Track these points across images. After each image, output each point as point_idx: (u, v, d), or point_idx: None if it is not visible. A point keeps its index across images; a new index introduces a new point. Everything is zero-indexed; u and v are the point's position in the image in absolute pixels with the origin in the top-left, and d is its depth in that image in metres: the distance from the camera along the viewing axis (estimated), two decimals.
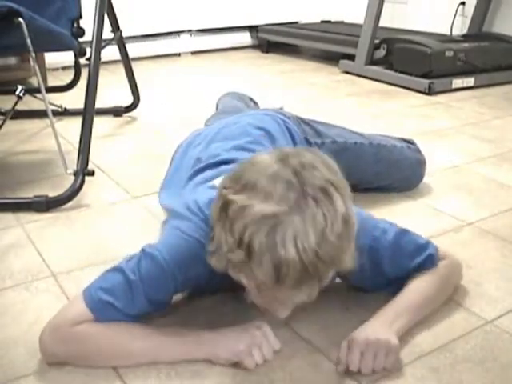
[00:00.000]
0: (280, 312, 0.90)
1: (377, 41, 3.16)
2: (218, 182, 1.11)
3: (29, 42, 1.52)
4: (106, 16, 2.00)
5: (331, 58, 3.60)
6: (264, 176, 0.81)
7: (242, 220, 0.79)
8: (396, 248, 1.05)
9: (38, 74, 1.65)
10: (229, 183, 0.85)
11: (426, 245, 1.10)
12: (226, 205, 0.83)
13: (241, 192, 0.82)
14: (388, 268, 1.06)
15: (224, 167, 1.17)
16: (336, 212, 0.80)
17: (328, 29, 3.75)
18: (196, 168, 1.22)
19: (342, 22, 4.20)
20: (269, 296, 0.87)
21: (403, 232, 1.07)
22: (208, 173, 1.18)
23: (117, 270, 0.96)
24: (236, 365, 0.94)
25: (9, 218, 1.50)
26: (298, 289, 0.82)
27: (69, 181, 1.60)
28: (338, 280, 1.09)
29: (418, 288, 1.05)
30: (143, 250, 0.97)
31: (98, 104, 1.82)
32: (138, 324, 0.95)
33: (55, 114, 2.23)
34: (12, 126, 2.19)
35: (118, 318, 0.93)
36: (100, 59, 1.84)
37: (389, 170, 1.57)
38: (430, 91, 2.79)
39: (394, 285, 1.07)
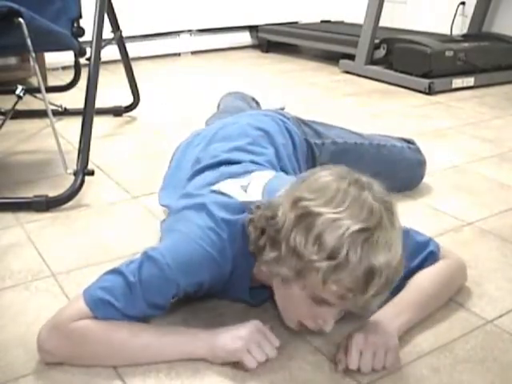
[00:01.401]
0: (328, 325, 0.93)
1: (377, 41, 3.16)
2: (221, 186, 1.09)
3: (29, 41, 1.52)
4: (106, 16, 2.00)
5: (331, 58, 3.59)
6: (344, 194, 0.87)
7: (335, 232, 0.84)
8: None
9: (38, 73, 1.64)
10: (308, 195, 0.88)
11: (427, 242, 1.11)
12: (309, 215, 0.86)
13: (327, 206, 0.86)
14: None
15: (223, 168, 1.16)
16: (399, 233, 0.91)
17: (328, 29, 3.74)
18: (195, 169, 1.22)
19: (342, 22, 4.20)
20: (323, 310, 0.91)
21: (404, 232, 1.07)
22: (207, 174, 1.17)
23: (116, 272, 0.95)
24: (237, 365, 0.94)
25: (9, 217, 1.50)
26: (375, 297, 0.87)
27: (69, 181, 1.60)
28: None
29: (419, 286, 1.06)
30: (146, 253, 0.96)
31: (98, 104, 1.82)
32: (137, 323, 0.95)
33: (55, 113, 2.23)
34: (12, 125, 2.18)
35: (117, 317, 0.92)
36: (100, 59, 1.84)
37: (388, 170, 1.57)
38: (430, 91, 2.79)
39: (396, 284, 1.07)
